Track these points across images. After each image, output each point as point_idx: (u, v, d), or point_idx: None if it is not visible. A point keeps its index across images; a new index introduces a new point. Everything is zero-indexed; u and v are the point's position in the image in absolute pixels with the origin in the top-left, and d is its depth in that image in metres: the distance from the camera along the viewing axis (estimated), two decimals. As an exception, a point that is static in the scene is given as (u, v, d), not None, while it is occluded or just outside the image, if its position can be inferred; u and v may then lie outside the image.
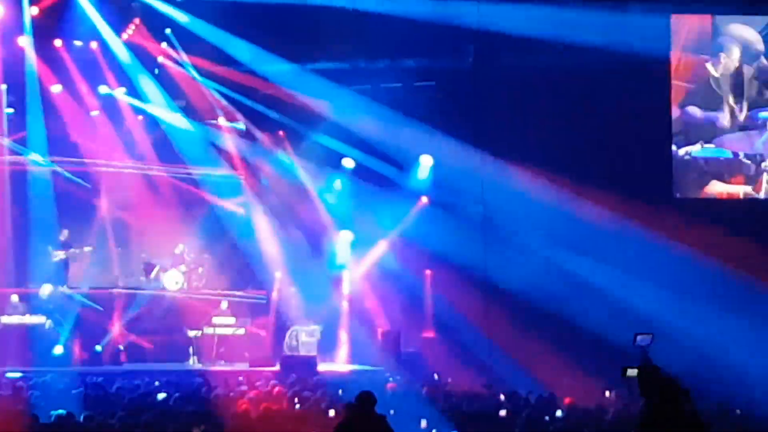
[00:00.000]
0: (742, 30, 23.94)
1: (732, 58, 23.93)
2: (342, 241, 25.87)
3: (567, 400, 15.75)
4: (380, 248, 25.68)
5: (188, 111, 26.21)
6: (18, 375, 19.59)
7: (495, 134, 24.24)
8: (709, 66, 23.97)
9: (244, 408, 14.69)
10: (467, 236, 24.43)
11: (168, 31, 25.52)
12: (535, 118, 23.61)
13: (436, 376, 21.74)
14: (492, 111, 24.40)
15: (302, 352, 23.63)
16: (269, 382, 17.87)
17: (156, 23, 25.37)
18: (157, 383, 18.83)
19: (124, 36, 25.46)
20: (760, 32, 23.94)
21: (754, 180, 24.10)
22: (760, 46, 24.02)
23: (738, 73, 23.99)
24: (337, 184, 26.20)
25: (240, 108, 25.98)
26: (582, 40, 22.77)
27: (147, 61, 25.77)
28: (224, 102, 25.91)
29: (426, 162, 25.51)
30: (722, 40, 23.99)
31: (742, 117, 24.04)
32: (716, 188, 24.05)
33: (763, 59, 24.07)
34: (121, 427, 13.24)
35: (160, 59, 25.92)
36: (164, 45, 25.75)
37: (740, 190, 24.04)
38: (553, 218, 23.17)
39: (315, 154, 25.93)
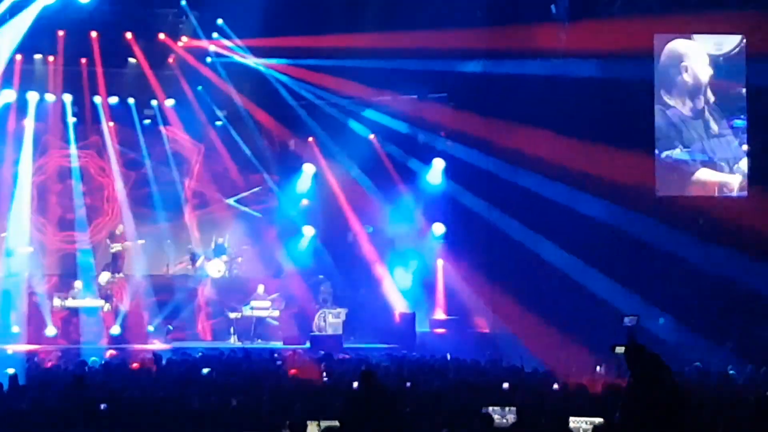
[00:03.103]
0: (713, 48, 23.81)
1: (705, 71, 23.86)
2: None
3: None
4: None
5: (229, 121, 26.49)
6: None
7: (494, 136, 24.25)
8: (686, 77, 23.91)
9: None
10: (473, 229, 24.64)
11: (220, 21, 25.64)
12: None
13: (448, 356, 21.27)
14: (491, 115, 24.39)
15: (329, 332, 23.94)
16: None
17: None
18: (200, 354, 19.50)
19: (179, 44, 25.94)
20: (730, 51, 23.78)
21: (727, 179, 23.98)
22: (730, 63, 23.81)
23: (712, 86, 23.91)
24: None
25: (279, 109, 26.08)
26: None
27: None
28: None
29: (438, 165, 25.58)
30: (695, 55, 23.86)
31: (716, 125, 24.00)
32: (694, 187, 24.00)
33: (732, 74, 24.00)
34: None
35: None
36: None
37: (715, 188, 23.93)
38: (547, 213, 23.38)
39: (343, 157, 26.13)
